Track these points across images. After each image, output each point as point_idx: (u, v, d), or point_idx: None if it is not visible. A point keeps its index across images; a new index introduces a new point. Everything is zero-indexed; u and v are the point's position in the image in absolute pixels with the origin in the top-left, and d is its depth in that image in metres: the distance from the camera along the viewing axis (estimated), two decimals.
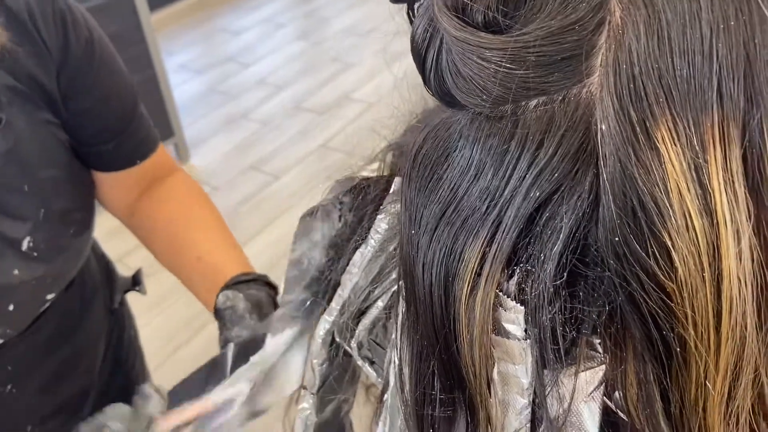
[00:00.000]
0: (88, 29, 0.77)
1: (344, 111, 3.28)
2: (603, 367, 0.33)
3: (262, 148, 3.11)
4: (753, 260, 0.28)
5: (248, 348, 0.66)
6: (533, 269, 0.32)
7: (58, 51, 0.74)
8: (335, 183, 0.53)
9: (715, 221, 0.28)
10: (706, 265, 0.28)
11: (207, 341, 2.11)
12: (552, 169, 0.31)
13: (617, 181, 0.29)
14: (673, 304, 0.29)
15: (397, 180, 0.47)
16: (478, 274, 0.33)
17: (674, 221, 0.28)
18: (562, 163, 0.30)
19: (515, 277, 0.33)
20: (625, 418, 0.33)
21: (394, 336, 0.44)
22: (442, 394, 0.37)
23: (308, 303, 0.56)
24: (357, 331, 0.50)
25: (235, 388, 0.62)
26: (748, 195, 0.28)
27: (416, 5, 0.37)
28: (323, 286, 0.54)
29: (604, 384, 0.33)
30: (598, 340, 0.33)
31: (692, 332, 0.29)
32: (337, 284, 0.51)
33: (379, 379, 0.50)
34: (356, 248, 0.49)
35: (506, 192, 0.32)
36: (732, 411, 0.31)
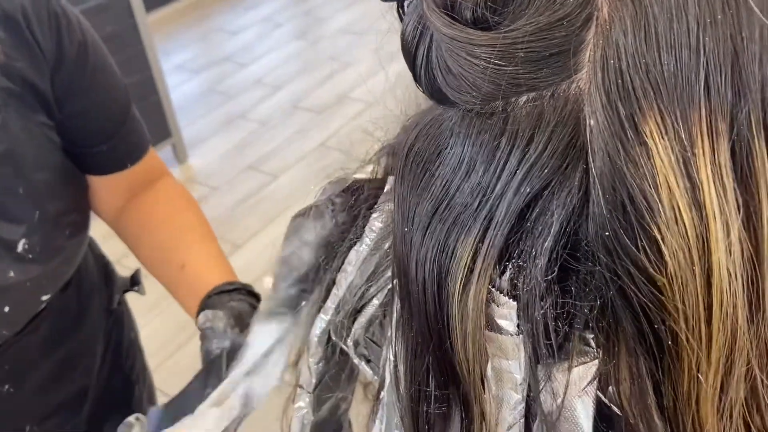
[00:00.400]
0: (82, 32, 0.78)
1: (343, 110, 3.28)
2: (596, 361, 0.33)
3: (261, 148, 3.11)
4: (743, 253, 0.28)
5: (236, 352, 0.67)
6: (525, 265, 0.32)
7: (52, 53, 0.74)
8: (327, 184, 0.53)
9: (704, 214, 0.28)
10: (696, 258, 0.28)
11: None
12: (542, 164, 0.31)
13: (606, 175, 0.29)
14: (663, 298, 0.29)
15: (391, 179, 0.47)
16: (471, 270, 0.33)
17: (663, 215, 0.28)
18: (552, 158, 0.30)
19: (507, 273, 0.33)
20: (618, 412, 0.34)
21: (389, 333, 0.44)
22: (436, 390, 0.37)
23: (295, 299, 0.56)
24: (353, 330, 0.50)
25: (225, 405, 0.61)
26: (736, 188, 0.28)
27: (405, 3, 0.37)
28: (311, 284, 0.54)
29: (597, 379, 0.33)
30: (591, 335, 0.33)
31: (683, 326, 0.29)
32: (332, 283, 0.51)
33: (376, 377, 0.50)
34: (351, 247, 0.49)
35: (497, 188, 0.32)
36: (725, 404, 0.31)
